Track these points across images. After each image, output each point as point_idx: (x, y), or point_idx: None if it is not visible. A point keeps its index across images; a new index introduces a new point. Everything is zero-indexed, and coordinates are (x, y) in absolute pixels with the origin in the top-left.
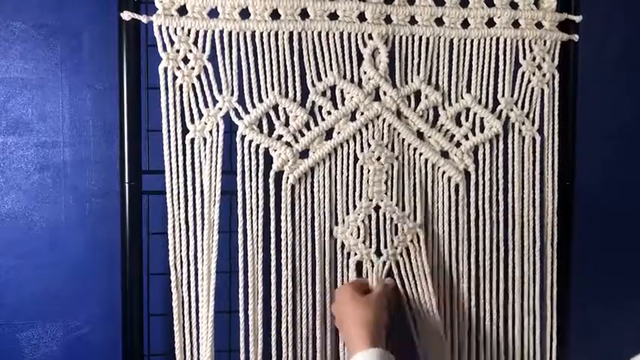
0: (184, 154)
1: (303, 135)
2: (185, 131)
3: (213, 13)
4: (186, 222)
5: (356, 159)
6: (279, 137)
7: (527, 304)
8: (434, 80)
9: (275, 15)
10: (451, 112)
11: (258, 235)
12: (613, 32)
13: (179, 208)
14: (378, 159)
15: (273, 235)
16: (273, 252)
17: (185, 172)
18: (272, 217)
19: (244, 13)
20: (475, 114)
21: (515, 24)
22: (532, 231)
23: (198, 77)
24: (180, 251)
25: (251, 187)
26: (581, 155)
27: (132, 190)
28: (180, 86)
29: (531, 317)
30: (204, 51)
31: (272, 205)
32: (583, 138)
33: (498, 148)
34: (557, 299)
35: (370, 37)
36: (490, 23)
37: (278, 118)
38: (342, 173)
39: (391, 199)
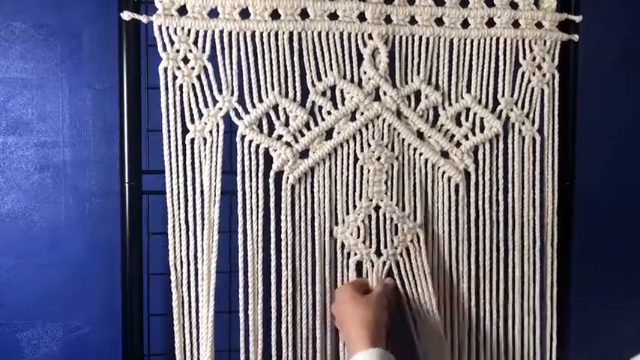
0: (184, 154)
1: (303, 135)
2: (185, 131)
3: (213, 13)
4: (186, 222)
5: (356, 159)
6: (279, 137)
7: (527, 304)
8: (434, 80)
9: (275, 15)
10: (451, 112)
11: (258, 235)
12: (613, 32)
13: (179, 208)
14: (378, 159)
15: (273, 235)
16: (273, 252)
17: (185, 172)
18: (272, 217)
19: (244, 13)
20: (475, 114)
21: (515, 24)
22: (532, 231)
23: (198, 77)
24: (180, 251)
25: (251, 187)
26: (581, 155)
27: (132, 190)
28: (180, 86)
29: (531, 317)
30: (204, 51)
31: (272, 205)
32: (583, 138)
33: (498, 148)
34: (557, 299)
35: (370, 37)
36: (490, 23)
37: (278, 118)
38: (342, 173)
39: (391, 199)
